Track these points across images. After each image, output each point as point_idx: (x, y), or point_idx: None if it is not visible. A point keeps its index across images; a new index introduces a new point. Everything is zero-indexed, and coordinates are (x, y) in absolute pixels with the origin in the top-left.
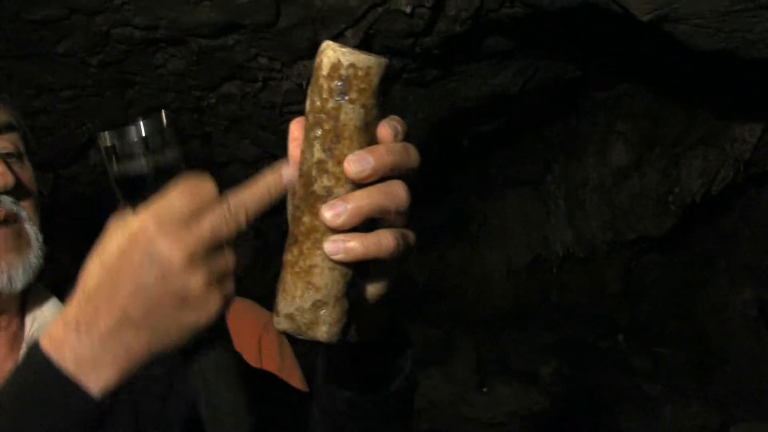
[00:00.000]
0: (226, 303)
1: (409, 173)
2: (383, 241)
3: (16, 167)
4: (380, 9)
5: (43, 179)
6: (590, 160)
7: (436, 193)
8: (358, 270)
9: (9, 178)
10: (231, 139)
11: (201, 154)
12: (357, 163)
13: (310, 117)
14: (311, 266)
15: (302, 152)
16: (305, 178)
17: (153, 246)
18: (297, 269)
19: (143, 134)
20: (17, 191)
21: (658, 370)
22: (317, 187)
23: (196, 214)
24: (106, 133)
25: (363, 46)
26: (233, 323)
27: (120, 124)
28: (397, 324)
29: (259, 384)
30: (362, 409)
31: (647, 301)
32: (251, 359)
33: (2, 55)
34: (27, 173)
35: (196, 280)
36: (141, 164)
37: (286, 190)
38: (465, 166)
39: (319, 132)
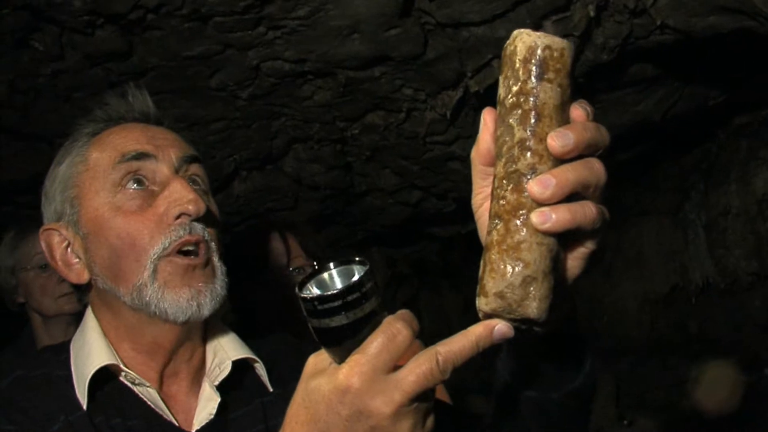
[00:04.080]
0: None
1: (602, 152)
2: (587, 209)
3: (204, 198)
4: None
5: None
6: (732, 187)
7: None
8: (562, 246)
9: (202, 205)
10: (371, 169)
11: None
12: (560, 138)
13: (508, 101)
14: (519, 242)
15: (498, 137)
16: (506, 158)
17: (361, 402)
18: (504, 247)
19: (344, 289)
20: (206, 219)
21: None
22: (521, 165)
23: (396, 363)
24: (310, 284)
25: None
26: None
27: (318, 270)
28: (575, 318)
29: None
30: (547, 408)
31: None
32: None
33: (158, 90)
34: (213, 205)
35: (402, 429)
36: (341, 318)
37: (494, 345)
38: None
39: (519, 113)
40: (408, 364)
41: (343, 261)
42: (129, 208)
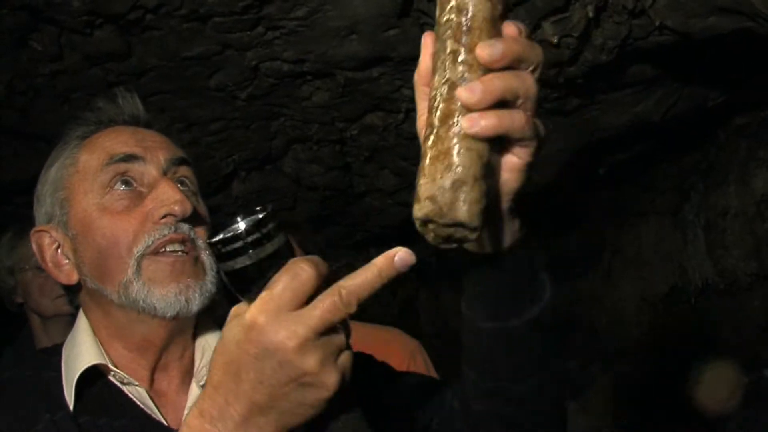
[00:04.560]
0: (344, 376)
1: (536, 70)
2: (516, 116)
3: (192, 199)
4: None
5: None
6: (731, 188)
7: (568, 222)
8: (493, 158)
9: (188, 206)
10: (370, 169)
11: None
12: (488, 47)
13: (443, 19)
14: (450, 148)
15: (435, 53)
16: (439, 71)
17: (266, 338)
18: (436, 153)
19: (244, 230)
20: (194, 219)
21: None
22: (452, 75)
23: (302, 300)
24: (220, 234)
25: None
26: (381, 351)
27: (224, 221)
28: (531, 245)
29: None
30: (508, 338)
31: None
32: None
33: (157, 91)
34: (201, 207)
35: (310, 363)
36: (245, 258)
37: (398, 275)
38: (598, 194)
39: (452, 27)
40: (313, 301)
41: (250, 211)
42: (116, 208)
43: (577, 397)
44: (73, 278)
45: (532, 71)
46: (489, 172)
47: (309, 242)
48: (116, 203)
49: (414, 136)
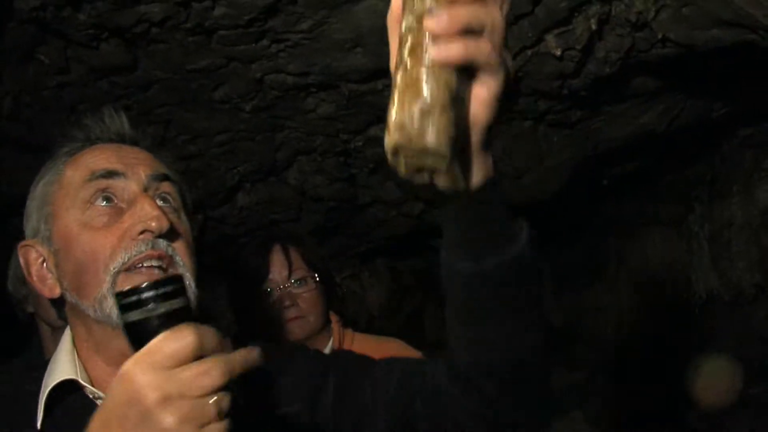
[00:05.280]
0: None
1: (504, 6)
2: (481, 44)
3: (172, 216)
4: (529, 52)
5: (194, 220)
6: (735, 199)
7: (573, 233)
8: (463, 91)
9: (164, 222)
10: (375, 181)
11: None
12: None
13: None
14: (417, 77)
15: None
16: (409, 6)
17: (132, 386)
18: (405, 83)
19: (143, 287)
20: (173, 236)
21: None
22: (419, 7)
23: (178, 362)
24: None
25: None
26: None
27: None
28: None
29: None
30: (486, 280)
31: None
32: None
33: (163, 103)
34: (183, 223)
35: (168, 420)
36: (138, 313)
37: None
38: (603, 206)
39: None
40: (189, 363)
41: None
42: (96, 224)
43: (583, 408)
44: (56, 292)
45: (501, 5)
46: (458, 105)
47: (312, 254)
48: (96, 219)
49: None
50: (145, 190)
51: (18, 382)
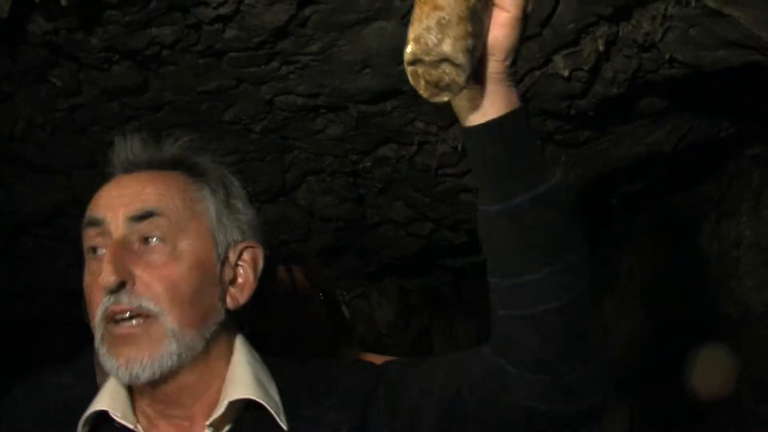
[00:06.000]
0: None
1: None
2: None
3: (149, 257)
4: (537, 73)
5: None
6: (744, 218)
7: None
8: (482, 14)
9: (108, 279)
10: (384, 201)
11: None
12: None
13: None
14: None
15: None
16: None
17: None
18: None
19: None
20: (134, 282)
21: None
22: None
23: None
24: None
25: None
26: None
27: None
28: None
29: None
30: (518, 216)
31: None
32: None
33: (173, 124)
34: (166, 266)
35: None
36: None
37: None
38: (611, 225)
39: None
40: None
41: None
42: (90, 274)
43: (593, 428)
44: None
45: None
46: (476, 22)
47: (317, 273)
48: (90, 270)
49: (427, 168)
50: (123, 233)
51: (82, 391)
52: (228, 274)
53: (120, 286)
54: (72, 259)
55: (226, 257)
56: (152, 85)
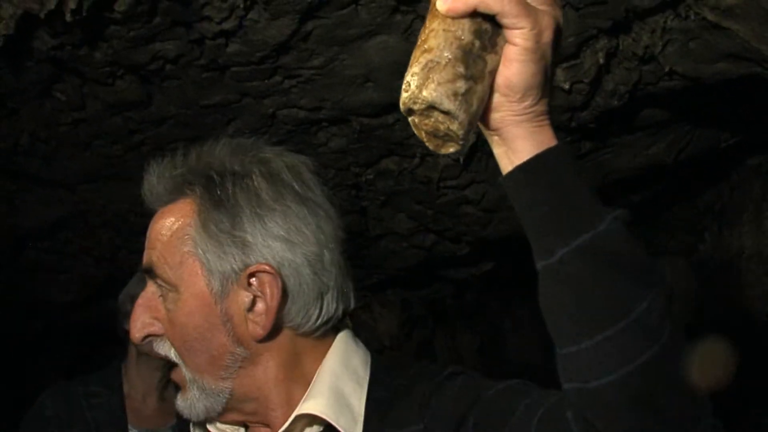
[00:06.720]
0: None
1: None
2: None
3: (163, 309)
4: None
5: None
6: (745, 228)
7: None
8: (486, 44)
9: (135, 336)
10: (386, 213)
11: None
12: None
13: None
14: (429, 33)
15: None
16: None
17: None
18: (419, 42)
19: None
20: (164, 338)
21: None
22: None
23: None
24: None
25: None
26: None
27: None
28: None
29: None
30: (561, 277)
31: None
32: None
33: (176, 138)
34: (172, 321)
35: None
36: None
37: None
38: None
39: None
40: None
41: None
42: None
43: None
44: None
45: None
46: (474, 63)
47: None
48: None
49: (429, 181)
50: (149, 286)
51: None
52: (237, 306)
53: (147, 337)
54: (74, 273)
55: (228, 292)
56: (156, 100)
